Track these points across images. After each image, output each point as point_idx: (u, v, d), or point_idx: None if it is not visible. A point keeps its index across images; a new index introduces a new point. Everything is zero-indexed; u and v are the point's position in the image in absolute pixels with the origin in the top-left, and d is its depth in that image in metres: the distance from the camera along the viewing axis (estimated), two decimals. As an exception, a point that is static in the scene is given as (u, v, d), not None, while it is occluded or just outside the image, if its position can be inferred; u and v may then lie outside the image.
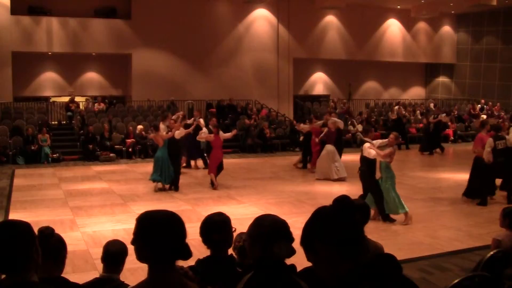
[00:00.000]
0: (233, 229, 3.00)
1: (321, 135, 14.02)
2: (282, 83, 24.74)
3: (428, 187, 12.39)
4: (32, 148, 16.74)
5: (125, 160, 17.31)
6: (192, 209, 9.99)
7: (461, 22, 28.91)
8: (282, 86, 24.77)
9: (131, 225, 2.04)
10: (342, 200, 1.73)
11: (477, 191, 10.45)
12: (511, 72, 25.98)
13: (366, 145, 9.06)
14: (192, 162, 15.56)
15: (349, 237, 1.67)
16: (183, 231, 2.05)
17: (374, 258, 1.67)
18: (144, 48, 21.90)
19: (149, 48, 21.96)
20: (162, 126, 13.17)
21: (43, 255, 2.04)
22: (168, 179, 11.79)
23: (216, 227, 2.91)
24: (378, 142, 9.38)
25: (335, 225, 1.67)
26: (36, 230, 2.13)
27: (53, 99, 21.83)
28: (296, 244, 1.93)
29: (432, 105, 25.21)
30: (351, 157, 17.14)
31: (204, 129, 14.19)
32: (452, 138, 22.86)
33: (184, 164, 14.63)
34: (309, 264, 1.78)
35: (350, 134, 21.00)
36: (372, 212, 8.51)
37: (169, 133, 12.10)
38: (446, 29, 29.02)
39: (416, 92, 29.95)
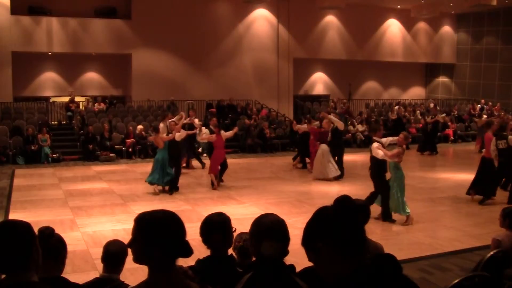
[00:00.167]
0: (233, 229, 3.00)
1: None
2: (282, 83, 24.74)
3: (428, 187, 12.39)
4: (32, 148, 16.74)
5: (125, 160, 17.31)
6: (192, 209, 9.99)
7: (461, 22, 28.91)
8: (282, 86, 24.77)
9: (131, 225, 2.03)
10: (343, 200, 1.73)
11: (483, 189, 10.47)
12: (511, 72, 25.98)
13: (375, 145, 8.94)
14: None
15: (350, 237, 1.67)
16: (182, 230, 2.04)
17: (374, 258, 1.67)
18: (144, 48, 21.90)
19: (149, 48, 21.96)
20: (161, 125, 13.20)
21: (43, 255, 2.04)
22: (165, 180, 11.42)
23: (216, 227, 2.91)
24: (388, 140, 9.34)
25: (336, 225, 1.67)
26: (36, 230, 2.13)
27: (53, 99, 21.82)
28: (297, 244, 1.93)
29: (432, 105, 25.22)
30: (351, 157, 17.18)
31: (205, 130, 14.26)
32: (452, 138, 22.86)
33: (184, 165, 14.64)
34: (309, 264, 1.78)
35: (350, 134, 21.00)
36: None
37: (170, 135, 11.81)
38: (446, 29, 29.02)
39: (416, 92, 29.96)
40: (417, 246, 7.63)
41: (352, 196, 1.81)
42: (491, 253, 4.53)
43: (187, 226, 2.08)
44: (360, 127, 21.73)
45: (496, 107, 24.59)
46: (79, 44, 21.01)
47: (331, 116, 14.05)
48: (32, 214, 9.32)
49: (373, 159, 9.03)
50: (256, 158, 18.02)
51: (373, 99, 26.96)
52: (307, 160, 15.09)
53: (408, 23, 27.54)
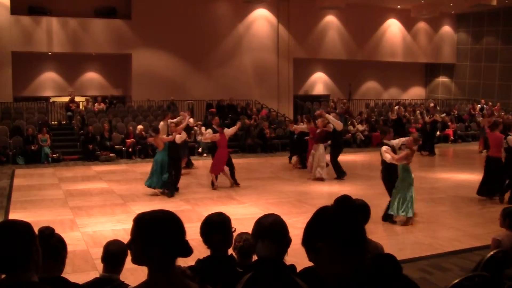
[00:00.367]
0: (233, 229, 3.00)
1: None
2: (282, 83, 24.74)
3: (428, 187, 12.38)
4: (32, 148, 16.74)
5: (125, 160, 17.32)
6: (192, 209, 9.98)
7: (461, 22, 28.92)
8: (282, 86, 24.77)
9: (131, 225, 2.03)
10: (343, 200, 1.73)
11: (493, 189, 10.48)
12: (511, 72, 25.99)
13: (383, 148, 8.83)
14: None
15: (351, 237, 1.67)
16: (182, 230, 2.03)
17: (374, 258, 1.67)
18: (144, 48, 21.90)
19: (149, 48, 21.96)
20: (162, 123, 13.17)
21: (43, 255, 2.03)
22: (161, 182, 11.23)
23: (216, 227, 2.91)
24: (401, 140, 9.26)
25: (337, 225, 1.67)
26: (36, 230, 2.12)
27: (53, 99, 21.82)
28: (297, 244, 1.93)
29: (432, 105, 25.21)
30: (351, 157, 17.19)
31: (208, 130, 14.21)
32: (452, 138, 22.86)
33: (184, 165, 14.62)
34: (310, 264, 1.78)
35: (350, 134, 21.00)
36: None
37: (170, 136, 11.63)
38: (446, 29, 29.03)
39: (416, 92, 29.96)
40: (417, 246, 7.63)
41: (352, 196, 1.82)
42: (491, 253, 4.53)
43: (187, 226, 2.07)
44: (360, 127, 21.73)
45: (496, 107, 24.59)
46: (79, 44, 21.01)
47: (330, 116, 13.87)
48: (32, 214, 9.32)
49: (384, 163, 8.94)
50: (256, 158, 18.03)
51: (373, 99, 26.97)
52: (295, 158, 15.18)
53: (408, 23, 27.54)
